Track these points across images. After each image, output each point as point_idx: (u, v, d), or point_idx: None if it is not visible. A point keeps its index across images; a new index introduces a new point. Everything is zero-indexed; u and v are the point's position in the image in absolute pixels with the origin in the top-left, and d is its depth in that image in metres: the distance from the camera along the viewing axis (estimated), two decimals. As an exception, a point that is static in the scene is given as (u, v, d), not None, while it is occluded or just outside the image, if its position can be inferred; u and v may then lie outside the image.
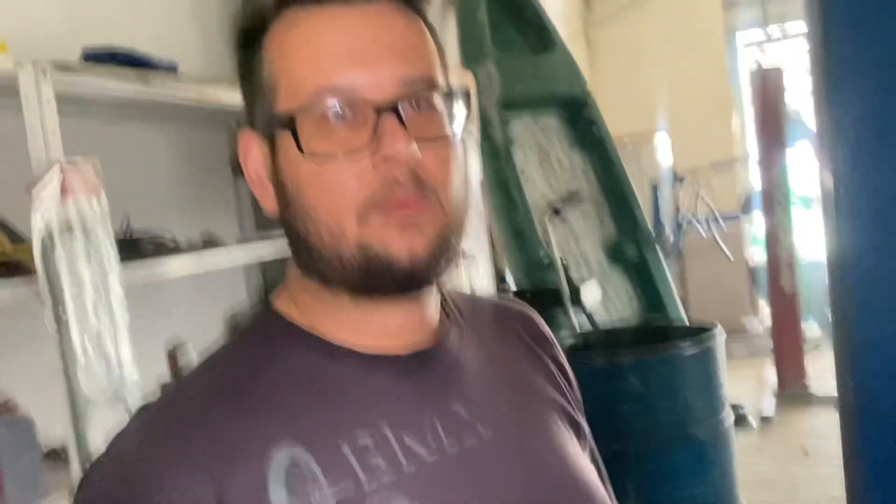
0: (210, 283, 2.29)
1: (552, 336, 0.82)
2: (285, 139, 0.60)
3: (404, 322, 0.65)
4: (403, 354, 0.64)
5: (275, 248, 2.04)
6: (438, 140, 0.61)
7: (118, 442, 0.60)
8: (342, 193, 0.58)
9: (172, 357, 1.82)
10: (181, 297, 2.17)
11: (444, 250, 0.61)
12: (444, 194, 0.60)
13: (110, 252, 1.43)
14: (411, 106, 0.59)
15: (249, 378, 0.61)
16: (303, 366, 0.62)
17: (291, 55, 0.60)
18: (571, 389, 0.78)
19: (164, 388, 0.68)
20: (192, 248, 1.82)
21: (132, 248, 1.66)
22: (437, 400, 0.64)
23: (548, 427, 0.70)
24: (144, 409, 0.63)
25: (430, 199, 0.59)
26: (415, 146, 0.58)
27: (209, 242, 1.88)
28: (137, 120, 2.06)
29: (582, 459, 0.71)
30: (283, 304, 0.66)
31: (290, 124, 0.58)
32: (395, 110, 0.58)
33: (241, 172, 2.14)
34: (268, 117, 0.61)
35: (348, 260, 0.59)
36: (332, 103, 0.58)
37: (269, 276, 2.50)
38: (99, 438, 1.38)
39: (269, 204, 0.64)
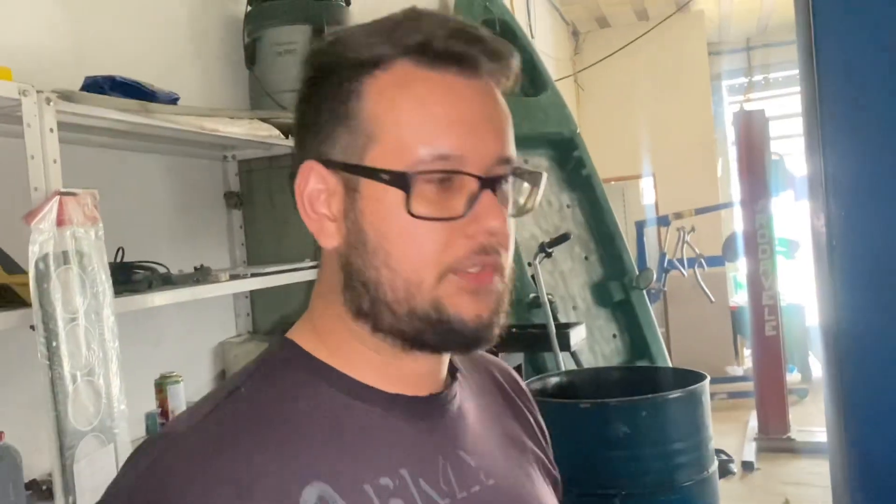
0: (199, 314, 2.28)
1: (530, 393, 0.86)
2: (376, 189, 0.61)
3: (430, 369, 0.68)
4: (421, 396, 0.67)
5: (264, 281, 2.04)
6: (510, 217, 0.65)
7: (138, 471, 0.60)
8: (431, 253, 0.61)
9: (160, 388, 1.81)
10: (170, 328, 2.15)
11: (501, 315, 0.64)
12: (507, 264, 0.65)
13: (105, 283, 1.42)
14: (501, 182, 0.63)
15: (278, 413, 0.62)
16: (329, 404, 0.64)
17: (405, 115, 0.61)
18: (548, 445, 0.83)
19: (183, 417, 0.68)
20: (184, 280, 1.82)
21: (125, 279, 1.65)
22: (447, 446, 0.67)
23: (532, 478, 0.75)
24: (166, 438, 0.62)
25: (500, 270, 0.64)
26: (508, 222, 0.62)
27: (201, 275, 1.87)
28: (133, 149, 2.06)
29: None
30: (306, 339, 0.67)
31: (402, 184, 0.60)
32: (494, 187, 0.62)
33: (234, 204, 2.13)
34: (353, 162, 0.62)
35: (419, 315, 0.62)
36: (441, 171, 0.61)
37: (259, 309, 2.49)
38: (85, 470, 1.36)
39: (329, 240, 0.65)
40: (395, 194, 0.60)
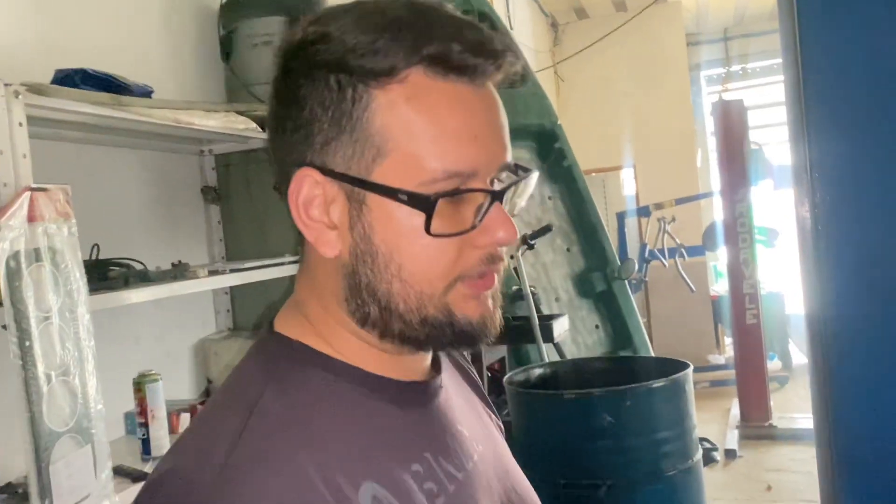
0: (178, 311, 2.25)
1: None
2: (388, 205, 0.60)
3: (427, 355, 0.71)
4: (427, 380, 0.70)
5: (244, 277, 2.01)
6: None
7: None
8: (445, 266, 0.62)
9: (139, 387, 1.77)
10: (148, 325, 2.12)
11: (499, 309, 0.67)
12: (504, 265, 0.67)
13: (79, 280, 1.39)
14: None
15: (312, 417, 0.61)
16: (352, 400, 0.64)
17: (418, 130, 0.59)
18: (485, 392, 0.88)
19: (202, 436, 0.62)
20: (161, 276, 1.78)
21: (101, 276, 1.62)
22: (448, 422, 0.70)
23: (493, 430, 0.80)
24: (207, 471, 0.56)
25: (500, 273, 0.65)
26: (515, 231, 0.62)
27: (179, 271, 1.84)
28: (107, 143, 2.02)
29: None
30: (308, 337, 0.66)
31: (423, 207, 0.59)
32: (502, 197, 0.62)
33: (212, 199, 2.09)
34: (360, 176, 0.60)
35: (431, 322, 0.63)
36: (456, 190, 0.60)
37: (239, 305, 2.46)
38: (62, 472, 1.33)
39: (330, 250, 0.63)
40: (411, 213, 0.59)
